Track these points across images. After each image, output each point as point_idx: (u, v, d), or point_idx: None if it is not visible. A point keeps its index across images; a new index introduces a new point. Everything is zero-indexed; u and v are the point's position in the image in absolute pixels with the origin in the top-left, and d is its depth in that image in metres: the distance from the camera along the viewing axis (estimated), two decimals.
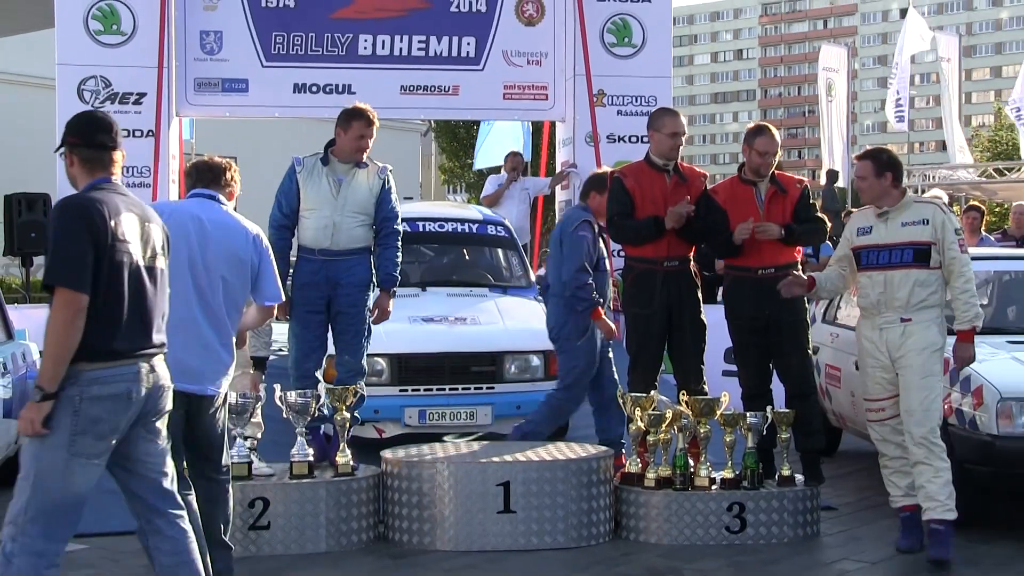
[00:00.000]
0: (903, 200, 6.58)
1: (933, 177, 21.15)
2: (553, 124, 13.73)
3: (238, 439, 6.62)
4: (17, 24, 19.09)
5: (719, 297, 8.40)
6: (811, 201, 7.70)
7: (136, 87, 11.61)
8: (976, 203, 14.90)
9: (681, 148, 7.61)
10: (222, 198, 5.61)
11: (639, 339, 7.54)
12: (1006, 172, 21.65)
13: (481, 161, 19.41)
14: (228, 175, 5.69)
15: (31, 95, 21.52)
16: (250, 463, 6.56)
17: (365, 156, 7.26)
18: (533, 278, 9.86)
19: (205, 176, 5.65)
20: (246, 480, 6.45)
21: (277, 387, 6.76)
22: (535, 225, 15.17)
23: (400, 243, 7.46)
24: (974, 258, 9.42)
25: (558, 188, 13.01)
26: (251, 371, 7.54)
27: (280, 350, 10.58)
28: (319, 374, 7.32)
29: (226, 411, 5.64)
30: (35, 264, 12.52)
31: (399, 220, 7.45)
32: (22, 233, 11.68)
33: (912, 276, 6.40)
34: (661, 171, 7.54)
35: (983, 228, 12.85)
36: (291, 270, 7.42)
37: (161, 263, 4.59)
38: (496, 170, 15.96)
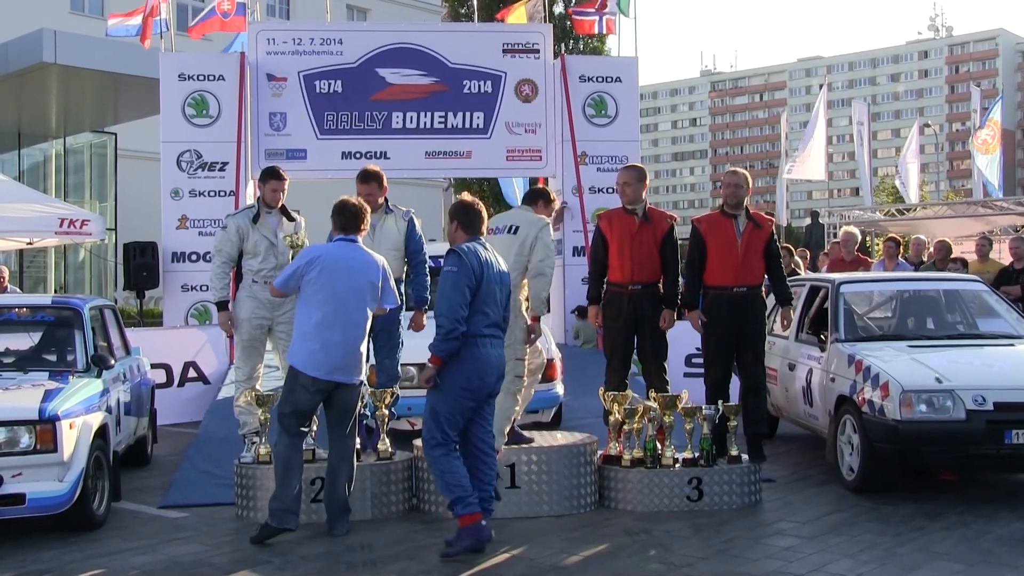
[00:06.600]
0: None
1: (848, 216, 21.08)
2: (546, 179, 13.67)
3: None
4: (134, 113, 19.70)
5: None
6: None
7: (220, 157, 11.73)
8: (894, 235, 14.48)
9: (628, 194, 7.19)
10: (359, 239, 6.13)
11: (610, 346, 7.29)
12: (905, 212, 21.66)
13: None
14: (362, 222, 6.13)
15: (144, 166, 21.66)
16: (314, 450, 6.48)
17: (389, 204, 7.15)
18: None
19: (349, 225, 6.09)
20: (310, 463, 6.33)
21: None
22: None
23: (428, 270, 7.28)
24: (883, 280, 9.23)
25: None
26: None
27: None
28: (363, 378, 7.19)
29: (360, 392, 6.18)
30: (146, 296, 12.53)
31: (424, 251, 7.28)
32: (136, 273, 11.67)
33: None
34: (630, 214, 7.35)
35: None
36: None
37: None
38: None
